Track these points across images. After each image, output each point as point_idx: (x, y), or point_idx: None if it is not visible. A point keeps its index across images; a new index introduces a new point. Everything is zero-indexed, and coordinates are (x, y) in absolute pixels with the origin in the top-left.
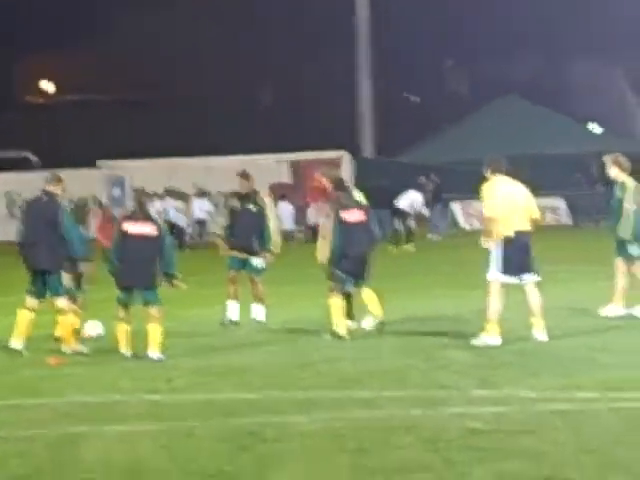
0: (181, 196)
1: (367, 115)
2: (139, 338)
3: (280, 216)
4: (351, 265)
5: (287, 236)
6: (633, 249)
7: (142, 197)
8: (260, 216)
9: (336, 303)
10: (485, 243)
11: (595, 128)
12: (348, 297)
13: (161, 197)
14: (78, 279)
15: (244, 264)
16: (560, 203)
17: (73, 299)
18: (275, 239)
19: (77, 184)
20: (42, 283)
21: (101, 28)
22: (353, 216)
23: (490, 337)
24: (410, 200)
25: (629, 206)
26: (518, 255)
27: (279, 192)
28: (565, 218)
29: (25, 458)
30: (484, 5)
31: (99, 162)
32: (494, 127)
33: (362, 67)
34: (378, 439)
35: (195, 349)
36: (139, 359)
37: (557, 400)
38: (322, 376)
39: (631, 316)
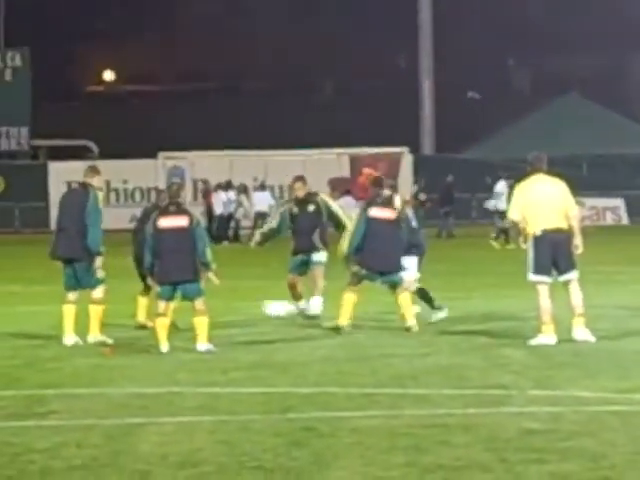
0: (242, 189)
1: (428, 112)
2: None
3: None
4: (371, 261)
5: None
6: None
7: (174, 189)
8: (319, 215)
9: (349, 298)
10: (523, 244)
11: None
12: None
13: (225, 188)
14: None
15: (306, 267)
16: (620, 203)
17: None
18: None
19: (138, 174)
20: (73, 273)
21: (164, 18)
22: (382, 213)
23: (546, 337)
24: (494, 200)
25: None
26: (549, 254)
27: (341, 187)
28: (625, 218)
29: (81, 448)
30: (548, 3)
31: (160, 153)
32: (554, 126)
33: (424, 64)
34: (434, 437)
35: (253, 343)
36: (192, 352)
37: (614, 401)
38: (378, 372)
39: None
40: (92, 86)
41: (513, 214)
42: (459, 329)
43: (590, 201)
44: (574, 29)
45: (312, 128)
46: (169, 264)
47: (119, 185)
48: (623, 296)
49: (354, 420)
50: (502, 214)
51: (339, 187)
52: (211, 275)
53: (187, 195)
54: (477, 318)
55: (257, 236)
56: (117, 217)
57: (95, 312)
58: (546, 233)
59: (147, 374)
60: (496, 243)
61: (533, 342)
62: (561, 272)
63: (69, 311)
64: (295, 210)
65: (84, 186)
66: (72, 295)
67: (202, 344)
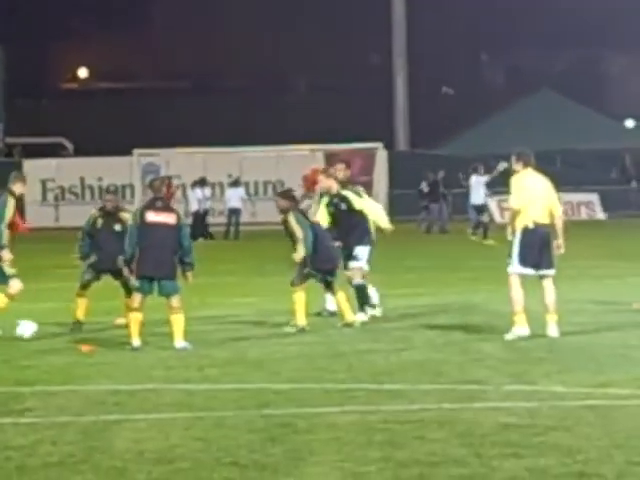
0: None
1: (401, 108)
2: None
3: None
4: (319, 262)
5: None
6: None
7: (162, 186)
8: (353, 212)
9: (301, 297)
10: (510, 235)
11: (630, 124)
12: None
13: (201, 185)
14: None
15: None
16: (594, 198)
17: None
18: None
19: (112, 171)
20: None
21: (135, 15)
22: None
23: (519, 328)
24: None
25: None
26: (536, 247)
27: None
28: (599, 213)
29: (57, 445)
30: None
31: (134, 150)
32: (528, 121)
33: (397, 60)
34: (410, 432)
35: (227, 339)
36: (167, 349)
37: (590, 396)
38: (354, 368)
39: None
40: (66, 83)
41: (515, 202)
42: (435, 324)
43: (564, 196)
44: (547, 24)
45: (286, 125)
46: (150, 259)
47: (94, 182)
48: (598, 290)
49: (330, 416)
50: (479, 208)
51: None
52: (189, 275)
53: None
54: (453, 313)
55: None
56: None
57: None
58: (537, 227)
59: (122, 371)
60: (475, 237)
61: (509, 336)
62: (540, 267)
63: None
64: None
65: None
66: None
67: (179, 341)
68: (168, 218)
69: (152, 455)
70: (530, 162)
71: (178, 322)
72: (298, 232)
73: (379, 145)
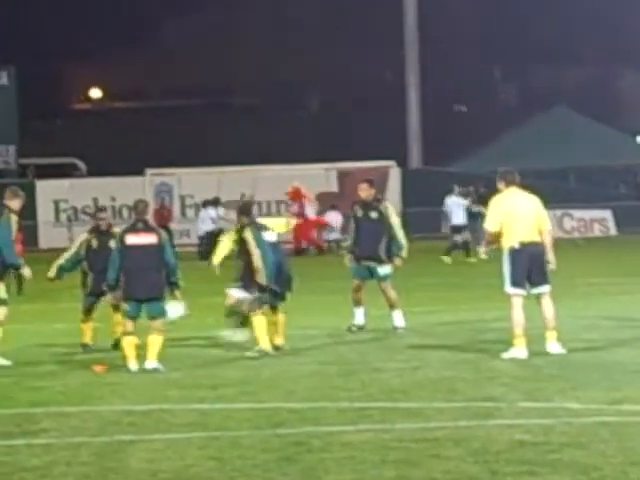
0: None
1: (414, 125)
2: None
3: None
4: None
5: (337, 245)
6: None
7: (141, 206)
8: (383, 223)
9: (261, 321)
10: (483, 254)
11: None
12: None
13: (215, 205)
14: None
15: (370, 273)
16: (607, 214)
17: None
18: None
19: (125, 191)
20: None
21: (149, 35)
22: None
23: (517, 350)
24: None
25: None
26: (524, 266)
27: (328, 202)
28: (612, 230)
29: (71, 466)
30: (534, 17)
31: (147, 170)
32: (541, 138)
33: (410, 77)
34: (425, 451)
35: (242, 359)
36: (181, 369)
37: (605, 412)
38: (368, 386)
39: None
40: (79, 104)
41: (490, 225)
42: (448, 342)
43: (578, 213)
44: (561, 42)
45: (299, 143)
46: (136, 281)
47: (107, 202)
48: (612, 307)
49: (345, 435)
50: (455, 229)
51: (325, 201)
52: (177, 294)
53: (175, 211)
54: (466, 331)
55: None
56: None
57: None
58: (524, 246)
59: (137, 391)
60: (447, 258)
61: (506, 355)
62: (534, 285)
63: None
64: (359, 213)
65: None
66: None
67: (151, 362)
68: (148, 238)
69: (167, 475)
70: (513, 181)
71: (155, 343)
72: (255, 250)
73: (392, 163)
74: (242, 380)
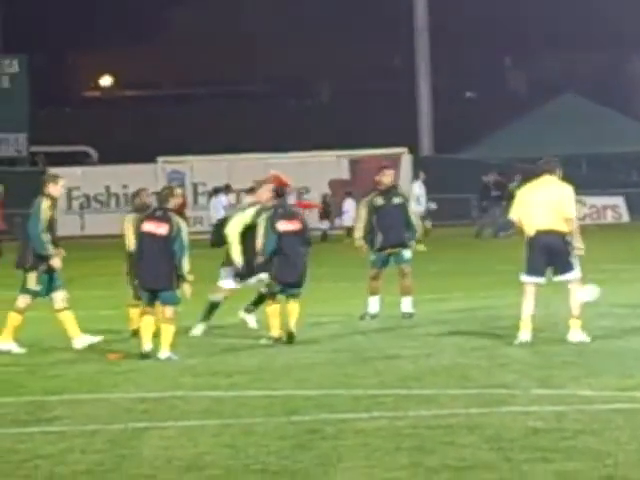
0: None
1: (425, 112)
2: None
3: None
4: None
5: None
6: None
7: (164, 194)
8: (405, 207)
9: (275, 309)
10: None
11: None
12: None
13: (226, 192)
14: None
15: (388, 261)
16: (619, 201)
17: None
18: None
19: (137, 179)
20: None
21: (160, 23)
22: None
23: (520, 333)
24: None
25: None
26: (542, 255)
27: (343, 189)
28: (625, 216)
29: (85, 453)
30: (544, 4)
31: (159, 157)
32: (552, 125)
33: (421, 64)
34: (439, 438)
35: (256, 346)
36: (195, 356)
37: (618, 399)
38: (381, 374)
39: None
40: (89, 91)
41: (512, 213)
42: (461, 329)
43: (590, 200)
44: (571, 28)
45: (311, 131)
46: (146, 270)
47: (119, 190)
48: (626, 294)
49: (359, 422)
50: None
51: (339, 189)
52: (185, 286)
53: (187, 199)
54: (479, 318)
55: (361, 245)
56: (117, 222)
57: (14, 318)
58: (539, 234)
59: (150, 379)
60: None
61: (516, 342)
62: (556, 273)
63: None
64: (379, 202)
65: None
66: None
67: (164, 352)
68: (159, 228)
69: (181, 463)
70: (547, 170)
71: (167, 332)
72: (260, 239)
73: (404, 150)
74: (256, 367)
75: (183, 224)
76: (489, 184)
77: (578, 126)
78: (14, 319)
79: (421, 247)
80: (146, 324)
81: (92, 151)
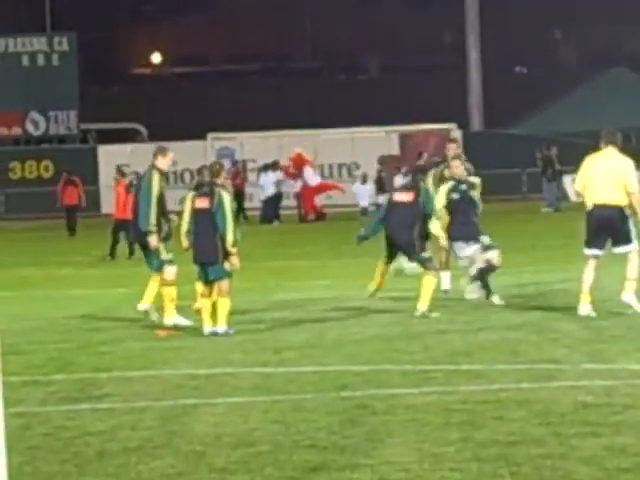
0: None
1: (475, 87)
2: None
3: None
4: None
5: None
6: None
7: (214, 168)
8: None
9: (432, 281)
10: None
11: None
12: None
13: (274, 169)
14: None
15: None
16: None
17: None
18: None
19: (187, 156)
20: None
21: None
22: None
23: (580, 306)
24: None
25: None
26: (600, 228)
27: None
28: None
29: (135, 430)
30: None
31: (209, 134)
32: (602, 100)
33: (470, 39)
34: (488, 413)
35: (305, 322)
36: (244, 332)
37: None
38: (431, 349)
39: None
40: (139, 69)
41: (576, 184)
42: (511, 304)
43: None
44: (621, 2)
45: (360, 106)
46: (196, 245)
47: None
48: None
49: (408, 397)
50: None
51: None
52: (232, 259)
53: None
54: (529, 293)
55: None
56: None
57: (166, 293)
58: (596, 207)
59: (200, 355)
60: None
61: (579, 312)
62: (615, 245)
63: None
64: (455, 196)
65: (149, 168)
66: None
67: (221, 325)
68: (202, 203)
69: (231, 439)
70: (610, 141)
71: (222, 306)
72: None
73: (453, 126)
74: (305, 343)
75: (227, 197)
76: (552, 157)
77: (628, 100)
78: (169, 293)
79: None
80: (204, 306)
81: (142, 128)
